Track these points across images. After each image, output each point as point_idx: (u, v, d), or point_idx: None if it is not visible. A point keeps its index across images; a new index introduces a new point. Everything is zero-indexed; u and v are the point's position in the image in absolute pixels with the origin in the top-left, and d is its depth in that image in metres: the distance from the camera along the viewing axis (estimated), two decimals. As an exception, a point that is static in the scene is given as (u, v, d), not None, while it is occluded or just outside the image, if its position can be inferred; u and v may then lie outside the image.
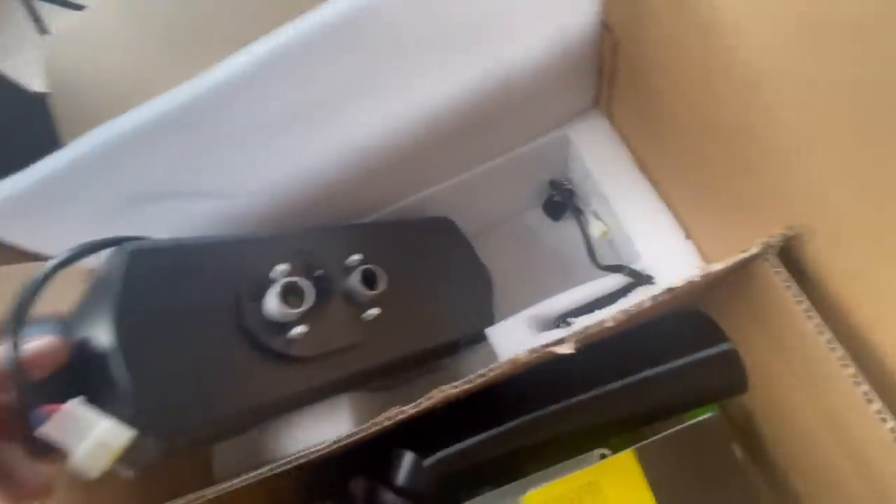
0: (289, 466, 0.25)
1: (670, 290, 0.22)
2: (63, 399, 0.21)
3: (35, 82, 0.62)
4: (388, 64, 0.25)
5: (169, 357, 0.23)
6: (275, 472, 0.25)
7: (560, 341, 0.22)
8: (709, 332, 0.32)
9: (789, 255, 0.23)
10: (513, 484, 0.30)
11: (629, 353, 0.32)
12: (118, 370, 0.21)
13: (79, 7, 0.82)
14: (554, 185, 0.43)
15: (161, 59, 0.36)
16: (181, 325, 0.24)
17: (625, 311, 0.23)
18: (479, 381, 0.23)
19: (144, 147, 0.25)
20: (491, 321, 0.38)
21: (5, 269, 0.29)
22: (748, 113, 0.22)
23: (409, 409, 0.24)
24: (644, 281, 0.33)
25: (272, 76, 0.23)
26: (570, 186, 0.43)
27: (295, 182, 0.31)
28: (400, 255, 0.34)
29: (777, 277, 0.21)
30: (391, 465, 0.33)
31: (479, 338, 0.37)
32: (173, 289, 0.25)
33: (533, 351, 0.23)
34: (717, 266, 0.22)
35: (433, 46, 0.25)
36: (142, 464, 0.22)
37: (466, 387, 0.23)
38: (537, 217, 0.47)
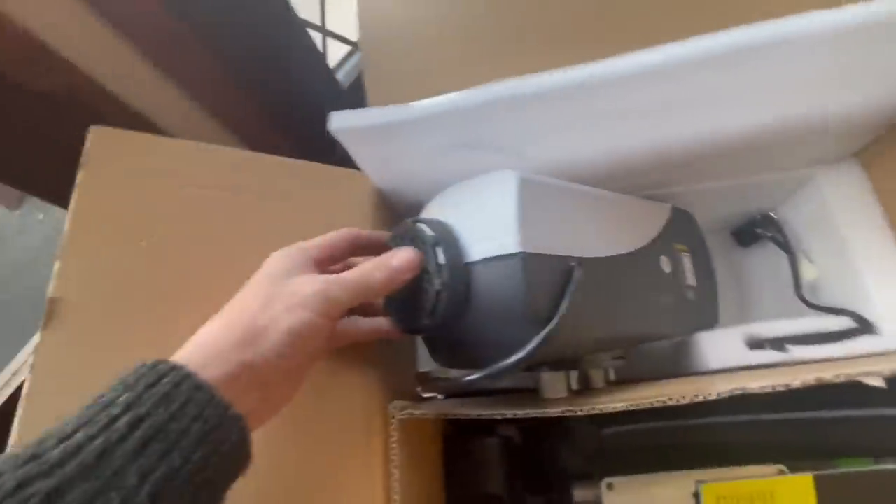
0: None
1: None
2: None
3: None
4: (710, 97, 0.29)
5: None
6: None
7: (869, 373, 0.24)
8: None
9: None
10: (685, 471, 0.32)
11: (837, 389, 0.34)
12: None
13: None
14: (766, 217, 0.44)
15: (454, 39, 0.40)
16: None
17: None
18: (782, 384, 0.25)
19: (497, 113, 0.29)
20: (715, 322, 0.41)
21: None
22: None
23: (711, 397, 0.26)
24: (869, 330, 0.35)
25: (625, 88, 0.28)
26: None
27: (577, 160, 0.34)
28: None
29: None
30: (575, 428, 0.36)
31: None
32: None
33: (839, 375, 0.25)
34: None
35: (746, 94, 0.29)
36: None
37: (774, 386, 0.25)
38: (722, 239, 0.49)
